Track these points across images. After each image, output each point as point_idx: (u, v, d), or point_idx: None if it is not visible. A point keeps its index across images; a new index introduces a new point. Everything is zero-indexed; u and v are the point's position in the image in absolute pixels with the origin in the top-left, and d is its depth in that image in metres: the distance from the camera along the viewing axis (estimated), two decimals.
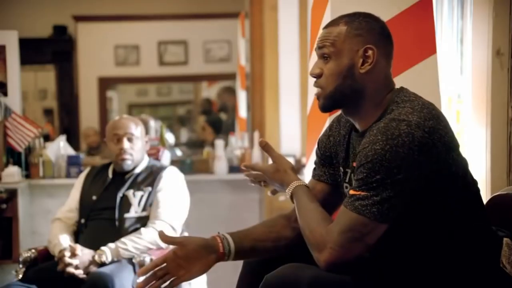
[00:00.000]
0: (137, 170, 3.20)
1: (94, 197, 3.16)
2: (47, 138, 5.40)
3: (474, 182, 1.72)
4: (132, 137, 3.13)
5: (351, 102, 1.73)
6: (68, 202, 3.24)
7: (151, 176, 3.17)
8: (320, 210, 1.74)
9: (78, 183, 3.30)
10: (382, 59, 1.73)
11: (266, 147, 1.90)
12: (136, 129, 3.16)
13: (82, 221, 3.13)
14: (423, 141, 1.56)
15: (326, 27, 1.78)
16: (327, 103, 1.75)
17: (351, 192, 1.63)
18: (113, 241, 2.96)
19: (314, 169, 1.97)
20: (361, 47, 1.70)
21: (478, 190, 1.73)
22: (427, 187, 1.59)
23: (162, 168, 3.23)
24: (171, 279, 1.78)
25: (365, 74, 1.71)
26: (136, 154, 3.15)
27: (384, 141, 1.57)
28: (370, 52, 1.70)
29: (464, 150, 2.59)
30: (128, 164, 3.14)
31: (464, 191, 1.66)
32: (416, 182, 1.57)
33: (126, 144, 3.12)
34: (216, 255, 1.80)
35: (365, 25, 1.72)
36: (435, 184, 1.60)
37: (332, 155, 1.90)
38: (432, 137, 1.58)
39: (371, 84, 1.72)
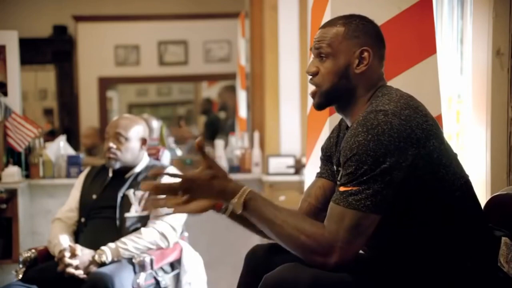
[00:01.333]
0: (137, 170, 3.20)
1: (94, 196, 3.16)
2: (52, 133, 5.38)
3: (464, 175, 1.72)
4: (119, 137, 3.11)
5: (343, 100, 1.79)
6: (68, 201, 3.24)
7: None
8: (300, 214, 1.77)
9: (78, 182, 3.30)
10: (375, 61, 1.78)
11: (202, 149, 1.68)
12: (128, 130, 3.13)
13: (82, 220, 3.13)
14: (401, 128, 1.59)
15: (323, 27, 1.82)
16: (321, 101, 1.81)
17: (342, 188, 1.63)
18: (113, 240, 2.96)
19: (318, 172, 2.00)
20: (358, 49, 1.76)
21: (469, 184, 1.73)
22: (413, 175, 1.60)
23: (162, 168, 3.22)
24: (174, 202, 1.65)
25: (360, 74, 1.76)
26: (122, 154, 3.13)
27: (365, 132, 1.60)
28: (366, 54, 1.76)
29: (464, 150, 2.60)
30: (112, 163, 3.13)
31: (453, 180, 1.66)
32: (402, 169, 1.59)
33: (110, 143, 3.12)
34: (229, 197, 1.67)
35: (362, 28, 1.78)
36: (421, 172, 1.61)
37: (331, 154, 1.95)
38: (410, 124, 1.61)
39: (363, 83, 1.77)
